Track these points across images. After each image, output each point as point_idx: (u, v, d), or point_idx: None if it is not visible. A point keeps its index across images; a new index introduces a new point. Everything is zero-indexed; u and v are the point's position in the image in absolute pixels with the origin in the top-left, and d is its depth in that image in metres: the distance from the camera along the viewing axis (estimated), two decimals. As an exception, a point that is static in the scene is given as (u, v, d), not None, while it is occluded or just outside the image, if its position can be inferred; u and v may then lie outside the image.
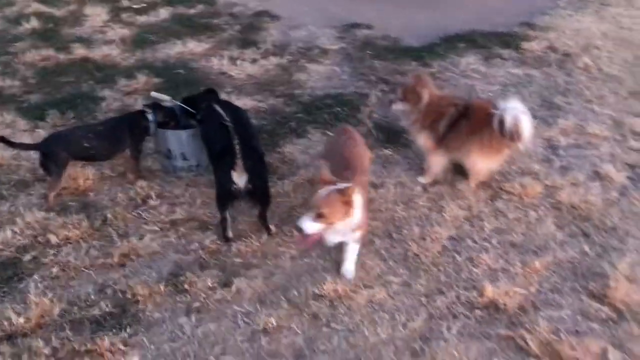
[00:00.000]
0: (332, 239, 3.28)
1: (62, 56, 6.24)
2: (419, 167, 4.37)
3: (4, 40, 6.67)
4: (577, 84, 5.65)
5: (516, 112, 3.81)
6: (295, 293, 3.33)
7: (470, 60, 6.13)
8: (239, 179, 3.43)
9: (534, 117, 4.95)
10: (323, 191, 3.09)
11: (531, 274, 3.45)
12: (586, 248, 3.66)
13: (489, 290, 3.29)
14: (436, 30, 6.97)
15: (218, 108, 3.70)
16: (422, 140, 4.16)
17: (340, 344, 3.03)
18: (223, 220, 3.69)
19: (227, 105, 3.96)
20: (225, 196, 3.53)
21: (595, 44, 6.50)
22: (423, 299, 3.30)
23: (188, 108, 4.11)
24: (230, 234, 3.70)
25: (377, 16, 7.47)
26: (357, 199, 3.12)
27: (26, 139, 4.61)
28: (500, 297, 3.27)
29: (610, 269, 3.46)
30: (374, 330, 3.10)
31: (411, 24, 7.22)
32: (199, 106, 4.05)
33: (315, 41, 6.68)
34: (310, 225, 3.04)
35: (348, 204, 3.07)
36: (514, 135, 3.80)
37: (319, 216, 3.03)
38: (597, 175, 4.33)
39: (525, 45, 6.44)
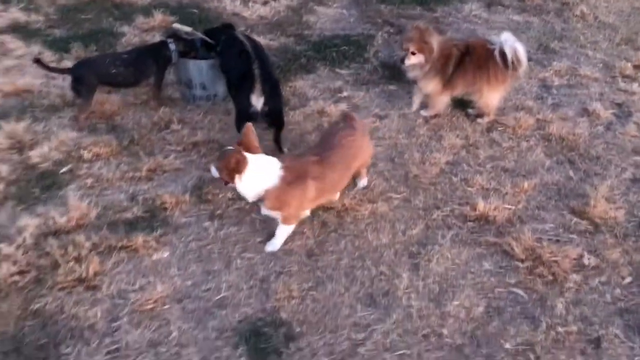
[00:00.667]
0: (262, 210, 3.36)
1: (81, -6, 6.48)
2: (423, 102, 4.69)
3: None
4: (573, 30, 5.95)
5: (511, 42, 4.14)
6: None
7: (473, 7, 6.40)
8: (257, 101, 3.76)
9: (530, 59, 5.30)
10: (229, 148, 3.21)
11: (519, 194, 3.83)
12: (571, 173, 4.04)
13: (481, 206, 3.67)
14: (442, -24, 7.19)
15: (241, 36, 4.01)
16: (434, 85, 4.37)
17: (347, 247, 3.42)
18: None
19: (245, 37, 4.26)
20: (244, 117, 3.86)
21: (593, -6, 6.76)
22: (421, 212, 3.69)
23: (208, 40, 4.39)
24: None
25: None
26: (257, 168, 3.13)
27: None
28: (490, 211, 3.65)
29: (591, 191, 3.84)
30: (376, 236, 3.49)
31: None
32: (219, 38, 4.34)
33: (324, -14, 6.91)
34: (213, 171, 3.23)
35: (230, 168, 3.09)
36: (515, 64, 4.14)
37: (216, 167, 3.22)
38: (586, 112, 4.68)
39: (527, -7, 6.70)
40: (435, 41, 4.22)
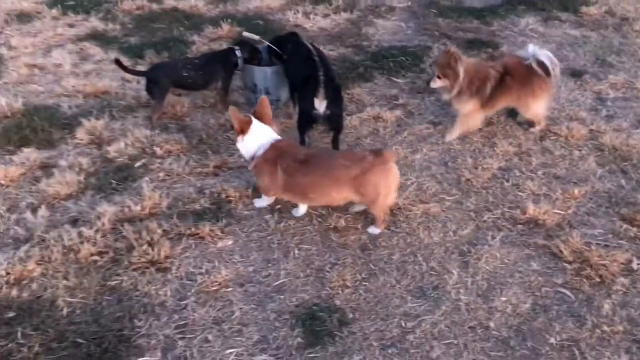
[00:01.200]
0: None
1: (154, 6, 6.94)
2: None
3: (103, -9, 7.43)
4: (632, 45, 5.97)
5: (542, 52, 4.36)
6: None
7: (530, 21, 6.50)
8: (320, 105, 4.01)
9: (586, 72, 5.38)
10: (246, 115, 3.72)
11: (570, 200, 3.92)
12: (623, 182, 4.10)
13: (531, 209, 3.78)
14: (498, -7, 7.34)
15: (308, 44, 4.29)
16: (470, 106, 4.41)
17: (399, 243, 3.60)
18: (302, 142, 4.29)
19: (311, 44, 4.52)
20: (307, 119, 4.12)
21: (654, 10, 6.75)
22: (472, 214, 3.83)
23: (274, 47, 4.68)
24: None
25: (442, -21, 7.87)
26: (254, 137, 3.62)
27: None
28: (540, 215, 3.76)
29: (641, 196, 3.90)
30: (428, 234, 3.66)
31: (475, -12, 7.59)
32: (285, 45, 4.62)
33: (383, 0, 7.15)
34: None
35: (237, 129, 3.63)
36: (554, 70, 4.32)
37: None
38: (640, 124, 4.72)
39: (584, 9, 6.75)
40: (462, 67, 4.24)
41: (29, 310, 3.11)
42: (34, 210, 3.78)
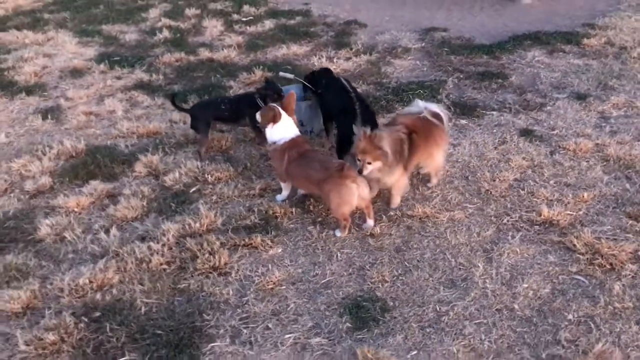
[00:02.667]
0: None
1: (191, 58, 7.65)
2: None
3: (145, 46, 8.20)
4: (631, 70, 6.49)
5: (430, 105, 4.62)
6: (392, 214, 4.39)
7: (536, 54, 7.07)
8: (358, 130, 4.55)
9: (590, 95, 5.90)
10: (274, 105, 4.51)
11: (580, 203, 4.37)
12: (627, 186, 4.54)
13: (546, 212, 4.23)
14: (505, 31, 7.97)
15: (342, 79, 4.91)
16: (397, 174, 4.33)
17: (429, 244, 4.07)
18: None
19: (344, 79, 5.10)
20: (346, 143, 4.65)
21: (651, 39, 7.31)
22: (493, 218, 4.29)
23: (307, 84, 5.28)
24: None
25: (451, 22, 8.56)
26: (282, 127, 4.41)
27: (175, 116, 5.97)
28: (554, 216, 4.21)
29: (644, 195, 4.34)
30: (454, 237, 4.12)
31: (482, 27, 8.25)
32: (319, 80, 5.19)
33: (398, 42, 7.80)
34: (258, 117, 4.60)
35: (269, 118, 4.40)
36: (446, 121, 4.61)
37: (261, 115, 4.62)
38: (642, 136, 5.19)
39: (586, 41, 7.31)
40: (386, 143, 4.13)
41: (112, 310, 3.62)
42: (107, 230, 4.32)
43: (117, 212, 4.51)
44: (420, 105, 4.61)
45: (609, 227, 4.12)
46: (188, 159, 5.21)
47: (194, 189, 4.81)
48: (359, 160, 4.15)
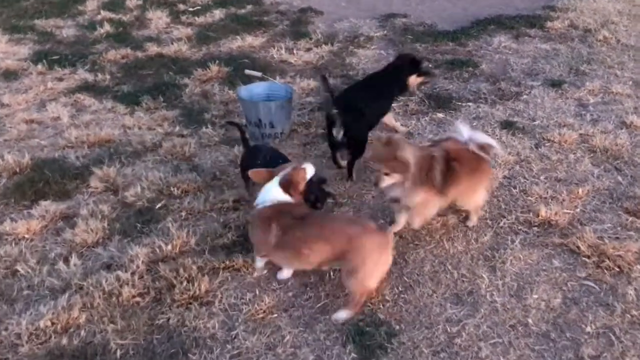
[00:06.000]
0: None
1: (139, 54, 7.06)
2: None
3: (85, 43, 7.52)
4: (599, 53, 6.40)
5: (478, 135, 3.84)
6: (382, 221, 4.07)
7: (502, 39, 6.89)
8: (338, 133, 4.27)
9: (564, 82, 5.73)
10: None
11: (575, 199, 4.18)
12: (619, 179, 4.39)
13: (543, 212, 4.01)
14: (466, 16, 7.77)
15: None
16: (422, 197, 3.67)
17: (427, 256, 3.77)
18: (334, 161, 4.65)
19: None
20: (331, 145, 4.56)
21: (612, 20, 7.27)
22: (489, 222, 4.04)
23: (276, 82, 4.87)
24: (341, 163, 4.64)
25: (410, 7, 8.30)
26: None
27: (128, 121, 5.45)
28: (552, 216, 3.99)
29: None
30: (452, 245, 3.84)
31: (442, 12, 8.02)
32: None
33: (359, 30, 7.47)
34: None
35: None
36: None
37: None
38: (624, 124, 5.06)
39: (549, 24, 7.19)
40: (410, 154, 3.52)
41: (82, 356, 3.15)
42: (65, 259, 3.81)
43: (75, 237, 4.00)
44: (464, 133, 3.75)
45: (609, 224, 3.95)
46: (149, 170, 4.72)
47: (159, 205, 4.34)
48: (373, 169, 3.62)
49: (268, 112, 4.94)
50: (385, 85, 4.71)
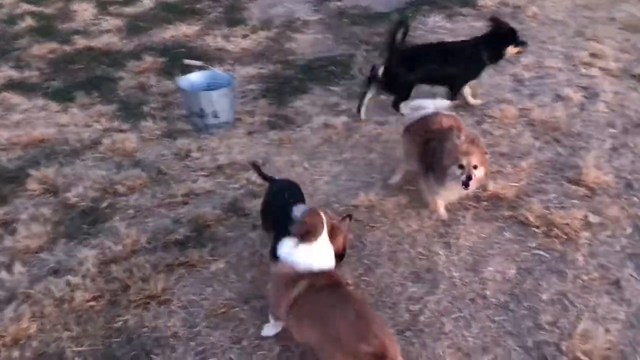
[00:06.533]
0: None
1: (66, 48, 6.75)
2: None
3: (6, 38, 7.11)
4: (530, 29, 6.58)
5: (439, 102, 4.20)
6: (337, 205, 4.07)
7: (437, 19, 7.00)
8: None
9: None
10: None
11: (520, 172, 4.30)
12: (560, 150, 4.54)
13: (491, 186, 4.10)
14: (399, -3, 7.82)
15: None
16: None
17: (383, 236, 3.79)
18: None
19: None
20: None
21: (540, -4, 7.49)
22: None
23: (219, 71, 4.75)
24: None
25: (343, -10, 8.26)
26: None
27: (62, 118, 5.20)
28: (499, 190, 4.09)
29: (581, 162, 4.34)
30: (406, 224, 3.88)
31: (376, -6, 8.04)
32: None
33: (294, 15, 7.40)
34: None
35: None
36: None
37: None
38: (559, 97, 5.24)
39: (481, 2, 7.35)
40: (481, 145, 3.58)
41: (37, 368, 3.00)
42: (8, 268, 3.61)
43: (17, 244, 3.80)
44: (427, 104, 3.97)
45: (554, 195, 4.08)
46: (89, 169, 4.53)
47: (105, 204, 4.17)
48: (459, 166, 3.47)
49: (210, 102, 4.82)
50: (476, 52, 4.90)
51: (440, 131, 3.73)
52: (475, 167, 3.45)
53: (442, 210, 3.92)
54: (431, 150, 3.71)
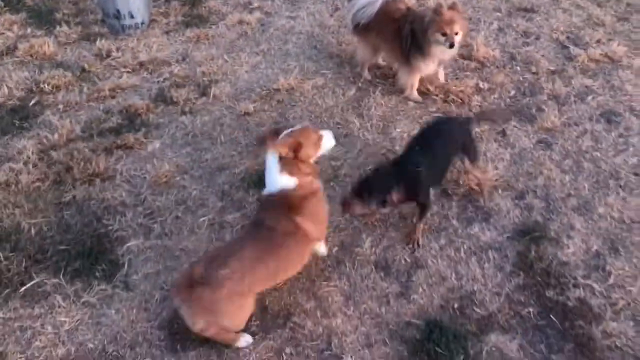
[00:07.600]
0: None
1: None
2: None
3: None
4: None
5: None
6: (259, 90, 4.41)
7: None
8: None
9: None
10: None
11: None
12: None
13: (395, 66, 4.58)
14: None
15: None
16: None
17: (304, 112, 4.20)
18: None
19: None
20: None
21: None
22: (351, 79, 4.53)
23: None
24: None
25: None
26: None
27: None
28: (403, 68, 4.58)
29: (472, 42, 4.87)
30: (323, 101, 4.30)
31: None
32: None
33: None
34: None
35: None
36: None
37: None
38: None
39: None
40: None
41: (-6, 239, 3.24)
42: (-53, 164, 3.74)
43: (-50, 144, 3.90)
44: None
45: (450, 69, 4.61)
46: (11, 72, 4.59)
47: (33, 102, 4.30)
48: (442, 34, 3.80)
49: (126, 3, 4.93)
50: None
51: (407, 14, 4.09)
52: (456, 33, 3.83)
53: (416, 94, 4.33)
54: (407, 33, 4.00)
